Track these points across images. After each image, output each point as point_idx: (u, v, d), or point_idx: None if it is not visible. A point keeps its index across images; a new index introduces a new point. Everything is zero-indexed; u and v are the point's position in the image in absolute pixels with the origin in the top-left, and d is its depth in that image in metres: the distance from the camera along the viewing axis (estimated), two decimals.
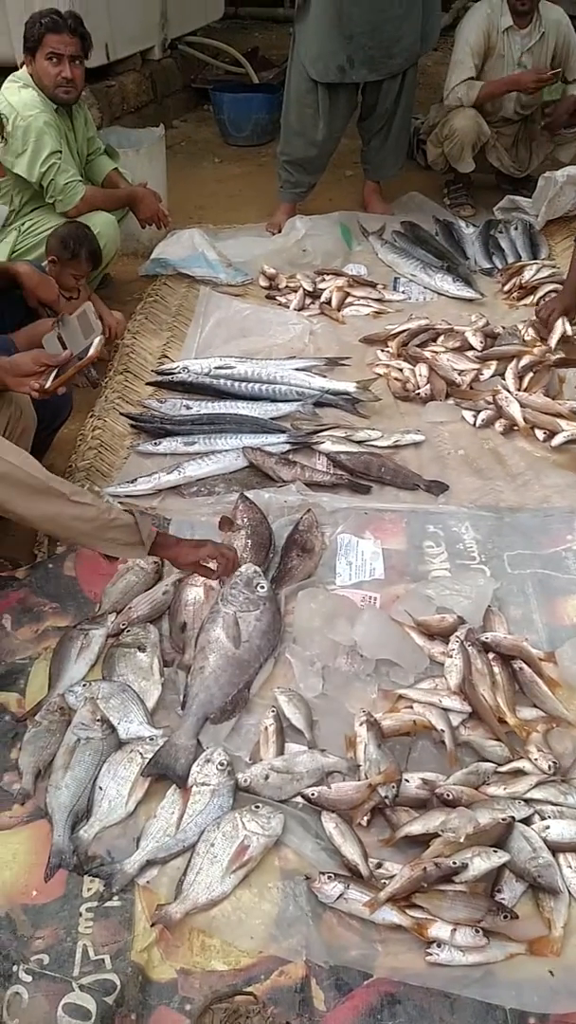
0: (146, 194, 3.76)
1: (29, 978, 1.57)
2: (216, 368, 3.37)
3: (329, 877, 1.71)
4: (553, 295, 3.74)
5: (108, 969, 1.62)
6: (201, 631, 2.22)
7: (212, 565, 2.26)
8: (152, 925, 1.68)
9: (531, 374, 3.27)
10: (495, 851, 1.73)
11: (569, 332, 3.47)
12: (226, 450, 2.93)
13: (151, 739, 2.01)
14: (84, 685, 2.15)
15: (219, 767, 1.91)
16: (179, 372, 3.41)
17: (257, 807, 1.84)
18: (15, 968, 1.59)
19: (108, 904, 1.73)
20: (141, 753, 1.97)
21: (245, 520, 2.56)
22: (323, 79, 4.28)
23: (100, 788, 1.92)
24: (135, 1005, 1.58)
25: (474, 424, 3.11)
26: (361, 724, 1.97)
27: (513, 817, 1.80)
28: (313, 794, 1.86)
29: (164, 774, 1.93)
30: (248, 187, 5.39)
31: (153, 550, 2.19)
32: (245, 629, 2.18)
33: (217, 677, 2.10)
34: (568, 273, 3.59)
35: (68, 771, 1.95)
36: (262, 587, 2.27)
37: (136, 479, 2.82)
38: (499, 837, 1.77)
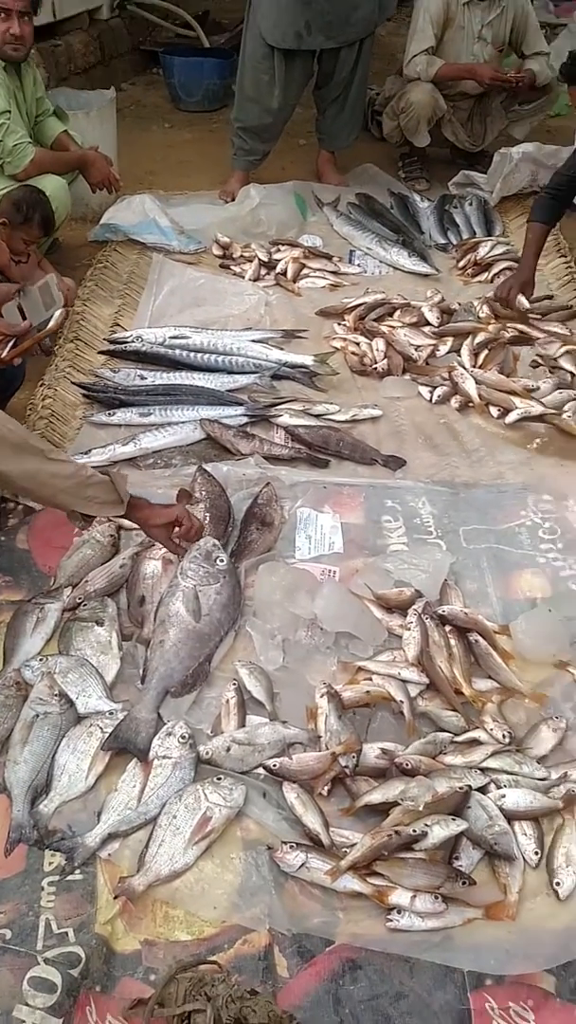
0: (97, 158, 3.68)
1: None
2: (171, 338, 3.32)
3: (291, 847, 1.73)
4: (508, 272, 3.77)
5: (72, 942, 1.62)
6: (160, 604, 2.20)
7: (182, 525, 2.25)
8: (115, 897, 1.69)
9: (486, 351, 3.30)
10: (453, 819, 1.77)
11: (526, 305, 3.49)
12: (183, 422, 2.90)
13: (110, 713, 2.00)
14: (40, 660, 2.12)
15: (180, 740, 1.92)
16: (132, 341, 3.36)
17: (219, 779, 1.85)
18: None
19: (70, 878, 1.72)
20: (101, 727, 1.96)
21: (203, 493, 2.54)
22: (280, 45, 4.21)
23: (59, 763, 1.91)
24: (100, 977, 1.58)
25: (430, 400, 3.13)
26: (322, 696, 1.99)
27: (470, 786, 1.84)
28: (275, 765, 1.88)
29: (125, 748, 1.92)
30: (200, 154, 5.30)
31: (127, 511, 2.16)
32: (205, 603, 2.18)
33: (177, 651, 2.09)
34: (523, 250, 3.62)
35: (26, 746, 1.93)
36: (221, 560, 2.25)
37: (90, 450, 2.78)
38: (456, 806, 1.81)
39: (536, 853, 1.77)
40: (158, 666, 2.07)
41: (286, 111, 4.50)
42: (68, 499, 2.12)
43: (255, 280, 3.88)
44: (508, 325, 3.47)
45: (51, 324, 2.38)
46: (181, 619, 2.14)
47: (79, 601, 2.28)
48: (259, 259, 3.96)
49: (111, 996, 1.57)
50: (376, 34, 4.66)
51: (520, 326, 3.47)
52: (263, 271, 3.94)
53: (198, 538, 2.30)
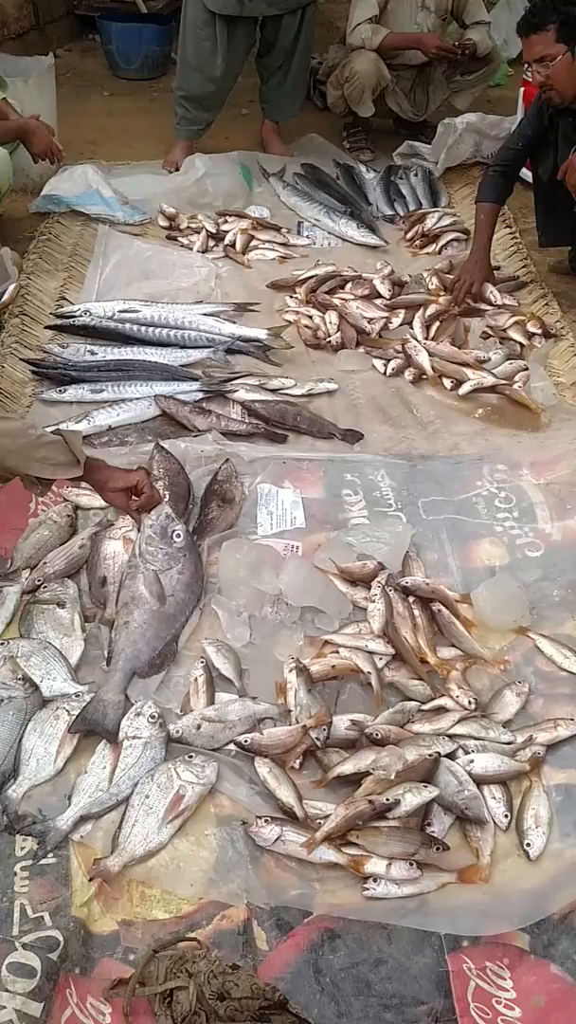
0: (39, 127, 3.57)
1: None
2: (120, 312, 3.26)
3: (266, 821, 1.74)
4: (456, 245, 3.79)
5: (49, 926, 1.60)
6: (122, 587, 2.16)
7: (143, 493, 2.17)
8: (90, 880, 1.67)
9: (438, 323, 3.32)
10: (425, 786, 1.79)
11: (497, 298, 3.49)
12: (137, 398, 2.86)
13: (76, 696, 1.98)
14: (1, 644, 2.08)
15: (150, 720, 1.90)
16: (80, 315, 3.28)
17: (190, 756, 1.84)
18: None
19: (43, 862, 1.70)
20: (67, 710, 1.94)
21: (162, 471, 2.51)
22: (221, 11, 4.13)
23: (26, 747, 1.88)
24: (79, 959, 1.57)
25: (384, 373, 3.14)
26: (291, 671, 2.00)
27: (439, 752, 1.87)
28: (246, 741, 1.88)
29: (93, 730, 1.90)
30: (141, 123, 5.18)
31: (84, 473, 2.08)
32: (168, 584, 2.14)
33: (143, 632, 2.07)
34: (475, 234, 3.57)
35: None
36: (179, 536, 2.19)
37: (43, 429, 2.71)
38: (427, 772, 1.84)
39: (506, 816, 1.81)
40: (124, 648, 2.04)
41: (229, 79, 4.43)
42: (18, 461, 2.02)
43: (204, 252, 3.82)
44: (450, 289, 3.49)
45: (4, 298, 2.30)
46: (145, 601, 2.10)
47: (39, 583, 2.23)
48: (207, 230, 3.90)
49: (91, 978, 1.56)
50: (317, 1, 4.60)
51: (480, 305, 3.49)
52: (211, 243, 3.88)
53: (153, 505, 2.21)
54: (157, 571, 2.14)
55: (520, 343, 3.26)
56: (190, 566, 2.20)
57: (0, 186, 3.34)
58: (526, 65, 3.16)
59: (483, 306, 3.46)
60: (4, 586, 2.22)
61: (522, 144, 3.39)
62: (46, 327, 3.28)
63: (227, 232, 3.91)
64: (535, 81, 3.10)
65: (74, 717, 1.91)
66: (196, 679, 2.01)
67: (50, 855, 1.71)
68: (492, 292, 3.50)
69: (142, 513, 2.19)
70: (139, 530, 2.20)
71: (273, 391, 2.95)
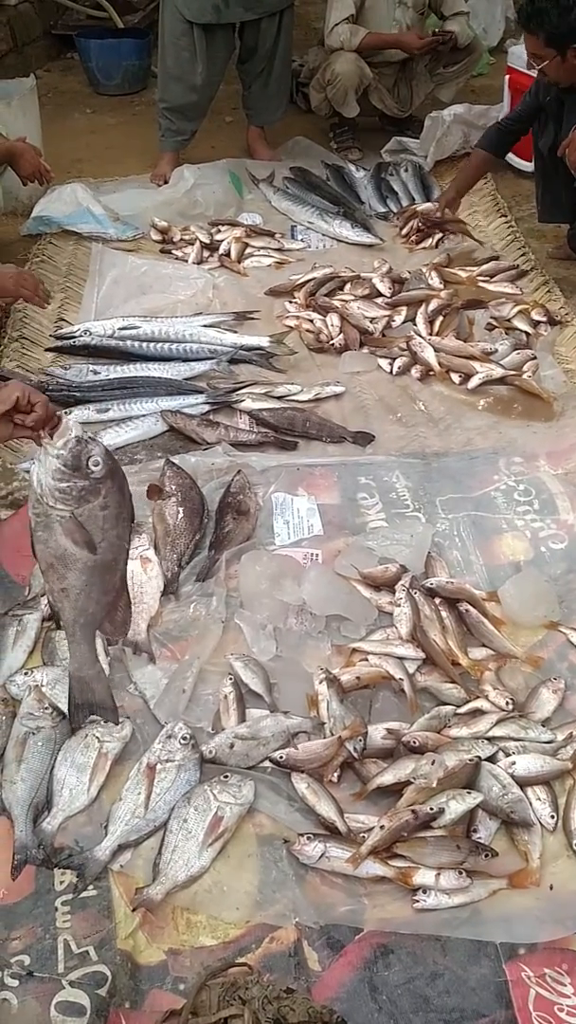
0: (26, 149, 3.55)
1: (15, 982, 1.51)
2: (120, 329, 3.23)
3: (308, 838, 1.70)
4: (452, 239, 3.83)
5: (95, 961, 1.56)
6: (36, 542, 1.70)
7: (30, 412, 1.73)
8: (133, 910, 1.64)
9: (441, 318, 3.28)
10: (468, 792, 1.75)
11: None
12: (143, 415, 2.83)
13: (104, 722, 1.94)
14: (25, 673, 2.05)
15: (182, 741, 1.86)
16: (80, 335, 3.25)
17: (226, 776, 1.81)
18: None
19: (84, 895, 1.67)
20: (97, 737, 1.90)
21: (174, 487, 2.48)
22: (198, 20, 4.13)
23: (58, 777, 1.84)
24: (128, 993, 1.54)
25: (391, 372, 3.10)
26: (321, 682, 1.95)
27: (479, 756, 1.83)
28: (281, 757, 1.84)
29: (92, 712, 1.84)
30: (125, 138, 5.17)
31: None
32: (94, 526, 1.68)
33: (88, 593, 1.75)
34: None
35: (22, 764, 1.86)
36: (96, 462, 1.65)
37: None
38: (468, 778, 1.80)
39: (552, 816, 1.77)
40: (75, 617, 1.77)
41: (211, 87, 4.43)
42: None
43: (199, 263, 3.79)
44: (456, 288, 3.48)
45: None
46: (74, 557, 1.70)
47: None
48: (200, 241, 3.87)
49: (142, 1011, 1.52)
50: (294, 4, 4.58)
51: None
52: (206, 253, 3.86)
53: (47, 423, 1.71)
54: (73, 513, 1.66)
55: (526, 332, 3.22)
56: (113, 495, 1.69)
57: None
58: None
59: (485, 296, 3.43)
60: (24, 614, 2.18)
61: (526, 110, 3.45)
62: (47, 350, 3.26)
63: (221, 242, 3.88)
64: (529, 68, 3.18)
65: (104, 741, 1.88)
66: (226, 696, 1.97)
67: (90, 887, 1.68)
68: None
69: (39, 438, 1.69)
70: (38, 460, 1.66)
71: (280, 398, 2.92)
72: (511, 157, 4.35)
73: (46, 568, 1.75)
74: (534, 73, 3.38)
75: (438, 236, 3.92)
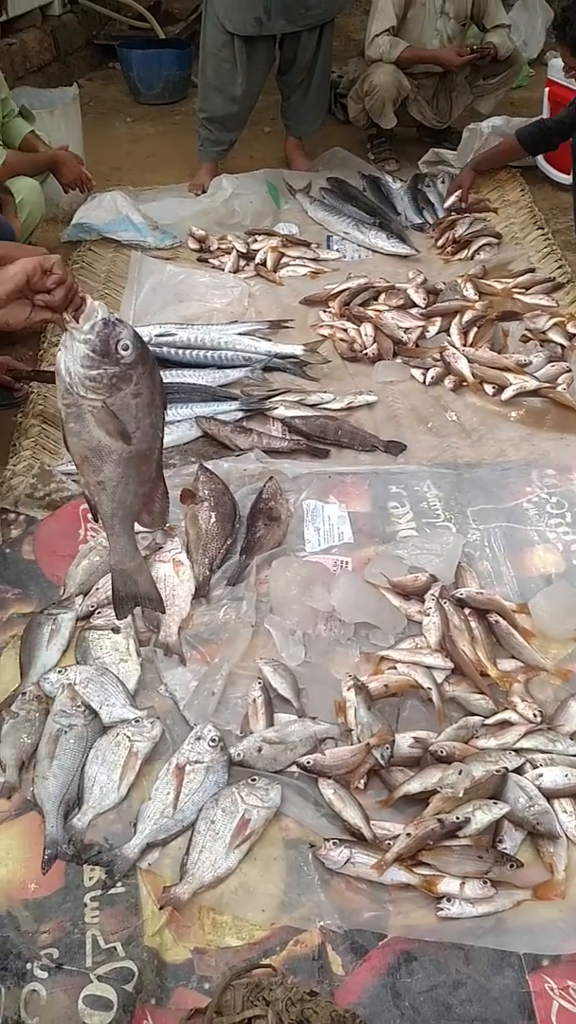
0: (68, 157, 3.62)
1: (45, 974, 1.54)
2: (157, 336, 3.27)
3: (334, 843, 1.71)
4: (488, 249, 3.82)
5: (122, 957, 1.59)
6: (68, 435, 1.65)
7: (53, 290, 1.60)
8: (161, 908, 1.66)
9: (475, 329, 3.29)
10: (495, 803, 1.76)
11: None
12: (178, 421, 2.86)
13: (136, 721, 1.97)
14: (59, 671, 2.08)
15: (211, 743, 1.89)
16: None
17: (254, 780, 1.83)
18: (29, 966, 1.55)
19: (112, 891, 1.69)
20: (128, 736, 1.93)
21: (207, 492, 2.51)
22: (240, 32, 4.17)
23: (89, 775, 1.87)
24: (154, 990, 1.56)
25: (424, 382, 3.11)
26: (349, 689, 1.97)
27: (507, 768, 1.83)
28: (309, 762, 1.86)
29: (136, 604, 1.86)
30: (165, 147, 5.24)
31: None
32: (127, 414, 1.63)
33: (125, 485, 1.71)
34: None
35: (54, 760, 1.89)
36: (126, 346, 1.58)
37: None
38: (495, 789, 1.80)
39: None
40: (113, 510, 1.73)
41: (251, 98, 4.47)
42: None
43: (235, 272, 3.83)
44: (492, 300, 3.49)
45: None
46: (108, 449, 1.65)
47: (92, 609, 2.24)
48: (237, 250, 3.91)
49: (167, 1008, 1.55)
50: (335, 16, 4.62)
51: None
52: (242, 262, 3.90)
53: (71, 302, 1.61)
54: (105, 402, 1.59)
55: (561, 345, 3.22)
56: (145, 379, 1.62)
57: (33, 217, 3.38)
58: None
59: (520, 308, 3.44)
60: (59, 613, 2.22)
61: (569, 119, 3.45)
62: None
63: (257, 251, 3.92)
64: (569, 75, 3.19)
65: (134, 742, 1.91)
66: (254, 700, 1.99)
67: (119, 884, 1.70)
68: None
69: (63, 321, 1.59)
70: (64, 346, 1.57)
71: (312, 406, 2.94)
72: (548, 169, 4.36)
73: (80, 462, 1.69)
74: (574, 85, 3.38)
75: (473, 248, 3.91)
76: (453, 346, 3.21)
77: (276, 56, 4.47)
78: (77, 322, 1.55)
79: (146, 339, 3.21)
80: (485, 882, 1.66)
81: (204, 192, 4.42)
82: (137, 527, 1.85)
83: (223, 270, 3.85)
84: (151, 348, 3.21)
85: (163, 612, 1.84)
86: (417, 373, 3.15)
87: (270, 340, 3.29)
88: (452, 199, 4.19)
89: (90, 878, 1.72)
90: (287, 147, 4.84)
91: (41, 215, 3.60)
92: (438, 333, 3.32)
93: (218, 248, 4.00)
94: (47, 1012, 1.49)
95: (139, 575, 1.83)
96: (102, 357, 1.55)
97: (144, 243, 4.01)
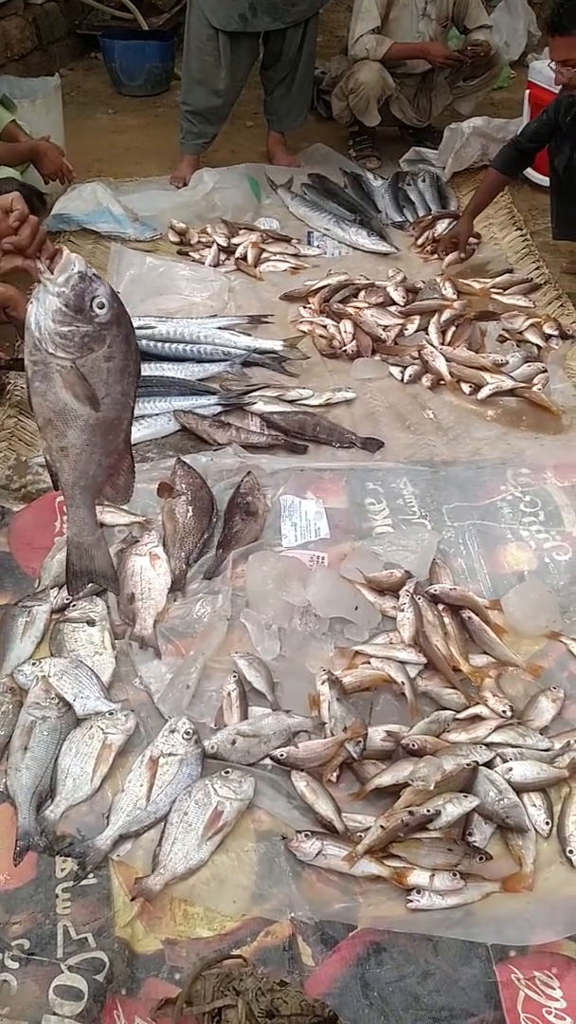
0: (49, 148, 3.60)
1: (16, 965, 1.54)
2: (136, 328, 3.24)
3: (306, 835, 1.73)
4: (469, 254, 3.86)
5: (93, 947, 1.60)
6: (33, 394, 1.52)
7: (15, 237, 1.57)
8: (132, 899, 1.67)
9: (453, 328, 3.31)
10: (465, 796, 1.78)
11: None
12: (156, 414, 2.86)
13: (110, 713, 1.97)
14: (33, 664, 2.09)
15: (185, 736, 1.89)
16: None
17: (227, 772, 1.84)
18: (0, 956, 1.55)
19: (84, 883, 1.70)
20: (102, 728, 1.93)
21: (184, 486, 2.51)
22: (225, 27, 4.17)
23: (62, 767, 1.88)
24: (125, 980, 1.57)
25: (402, 380, 3.13)
26: (323, 683, 1.99)
27: (477, 762, 1.85)
28: (282, 755, 1.87)
29: (91, 580, 1.81)
30: (146, 139, 5.21)
31: None
32: (97, 378, 1.51)
33: (89, 452, 1.61)
34: (469, 202, 3.77)
35: (27, 752, 1.89)
36: (101, 304, 1.45)
37: None
38: (465, 782, 1.82)
39: (547, 823, 1.80)
40: (75, 479, 1.65)
41: (234, 92, 4.47)
42: None
43: (215, 266, 3.83)
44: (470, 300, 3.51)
45: None
46: (74, 413, 1.54)
47: (67, 602, 2.23)
48: (218, 244, 3.91)
49: (137, 998, 1.56)
50: (319, 13, 4.62)
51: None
52: (222, 256, 3.89)
53: (41, 247, 1.57)
54: (74, 362, 1.47)
55: (537, 345, 3.25)
56: (119, 342, 1.52)
57: None
58: (550, 63, 3.18)
59: (497, 308, 3.47)
60: (33, 605, 2.22)
61: (544, 128, 3.44)
62: None
63: (238, 245, 3.92)
64: (558, 81, 3.12)
65: (107, 734, 1.91)
66: (229, 693, 2.00)
67: (91, 875, 1.71)
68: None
69: (35, 267, 1.47)
70: (35, 299, 1.44)
71: (291, 402, 2.95)
72: (528, 171, 4.38)
73: (43, 424, 1.57)
74: (556, 89, 3.40)
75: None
76: (431, 344, 3.23)
77: (260, 51, 4.47)
78: (52, 273, 1.43)
79: None
80: (454, 874, 1.68)
81: (185, 185, 4.41)
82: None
83: (203, 263, 3.84)
84: None
85: (116, 593, 1.79)
86: (395, 371, 3.17)
87: (250, 335, 3.29)
88: (451, 258, 3.88)
89: (62, 869, 1.72)
90: (269, 142, 4.84)
91: None
92: (416, 331, 3.34)
93: (198, 241, 3.99)
94: (17, 1002, 1.49)
95: (96, 550, 1.75)
96: (75, 313, 1.43)
97: (124, 235, 4.00)
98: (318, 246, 4.08)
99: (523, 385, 3.04)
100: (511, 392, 3.03)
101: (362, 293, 3.56)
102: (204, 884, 1.71)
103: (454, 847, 1.72)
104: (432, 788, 1.78)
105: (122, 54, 5.77)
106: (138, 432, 2.79)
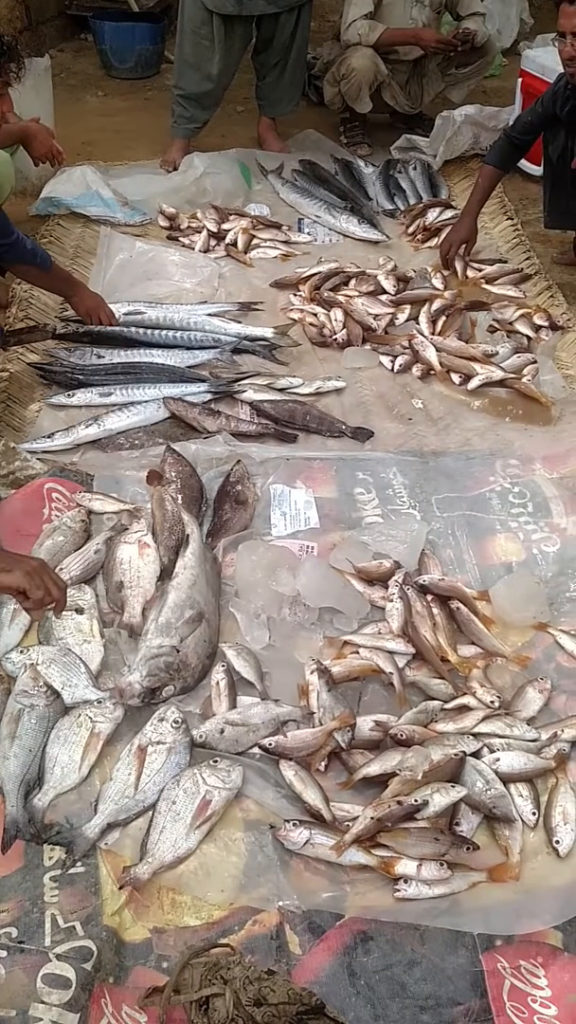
0: (40, 130, 3.54)
1: (4, 953, 1.54)
2: (125, 314, 3.24)
3: (294, 824, 1.73)
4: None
5: (81, 936, 1.60)
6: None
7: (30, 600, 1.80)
8: (120, 887, 1.67)
9: (444, 318, 3.30)
10: (453, 786, 1.79)
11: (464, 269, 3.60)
12: (145, 401, 2.84)
13: (98, 702, 1.97)
14: (21, 651, 2.07)
15: (173, 725, 1.90)
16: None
17: (215, 761, 1.84)
18: None
19: (72, 871, 1.70)
20: (90, 717, 1.93)
21: (174, 474, 2.50)
22: (220, 10, 4.12)
23: (50, 755, 1.87)
24: (113, 968, 1.57)
25: (392, 369, 3.13)
26: (312, 672, 1.99)
27: (464, 752, 1.86)
28: (270, 744, 1.88)
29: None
30: (136, 122, 5.15)
31: None
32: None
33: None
34: (471, 195, 3.68)
35: (15, 740, 1.89)
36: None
37: (53, 434, 2.71)
38: (453, 772, 1.84)
39: (533, 814, 1.81)
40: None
41: (226, 77, 4.42)
42: None
43: (205, 251, 3.80)
44: (460, 290, 3.51)
45: None
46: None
47: None
48: (208, 230, 3.88)
49: (125, 987, 1.56)
50: None
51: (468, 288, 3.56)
52: (212, 242, 3.86)
53: (57, 604, 1.83)
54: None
55: (527, 336, 3.25)
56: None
57: (2, 189, 3.32)
58: (558, 35, 3.04)
59: (487, 298, 3.46)
60: None
61: (538, 120, 3.40)
62: (51, 337, 3.24)
63: (228, 231, 3.89)
64: (564, 54, 3.00)
65: (96, 722, 1.91)
66: (217, 683, 2.00)
67: (79, 864, 1.71)
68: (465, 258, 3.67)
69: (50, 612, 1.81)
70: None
71: (281, 390, 2.94)
72: (520, 161, 4.36)
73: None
74: (549, 79, 3.36)
75: (443, 236, 3.91)
76: (421, 334, 3.23)
77: (253, 35, 4.43)
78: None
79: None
80: (441, 864, 1.69)
81: (175, 169, 4.36)
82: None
83: (193, 249, 3.81)
84: (119, 327, 3.21)
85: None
86: (385, 360, 3.16)
87: (240, 322, 3.27)
88: (459, 265, 3.68)
89: (50, 858, 1.72)
90: (260, 127, 4.80)
91: (11, 187, 3.53)
92: (407, 321, 3.33)
93: (188, 227, 3.96)
94: (5, 990, 1.49)
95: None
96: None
97: (113, 219, 3.96)
98: (308, 233, 4.06)
99: (513, 376, 3.04)
100: (501, 383, 3.03)
101: (353, 281, 3.54)
102: (192, 873, 1.71)
103: (441, 837, 1.73)
104: (420, 778, 1.79)
105: (112, 36, 5.70)
106: (127, 419, 2.78)
